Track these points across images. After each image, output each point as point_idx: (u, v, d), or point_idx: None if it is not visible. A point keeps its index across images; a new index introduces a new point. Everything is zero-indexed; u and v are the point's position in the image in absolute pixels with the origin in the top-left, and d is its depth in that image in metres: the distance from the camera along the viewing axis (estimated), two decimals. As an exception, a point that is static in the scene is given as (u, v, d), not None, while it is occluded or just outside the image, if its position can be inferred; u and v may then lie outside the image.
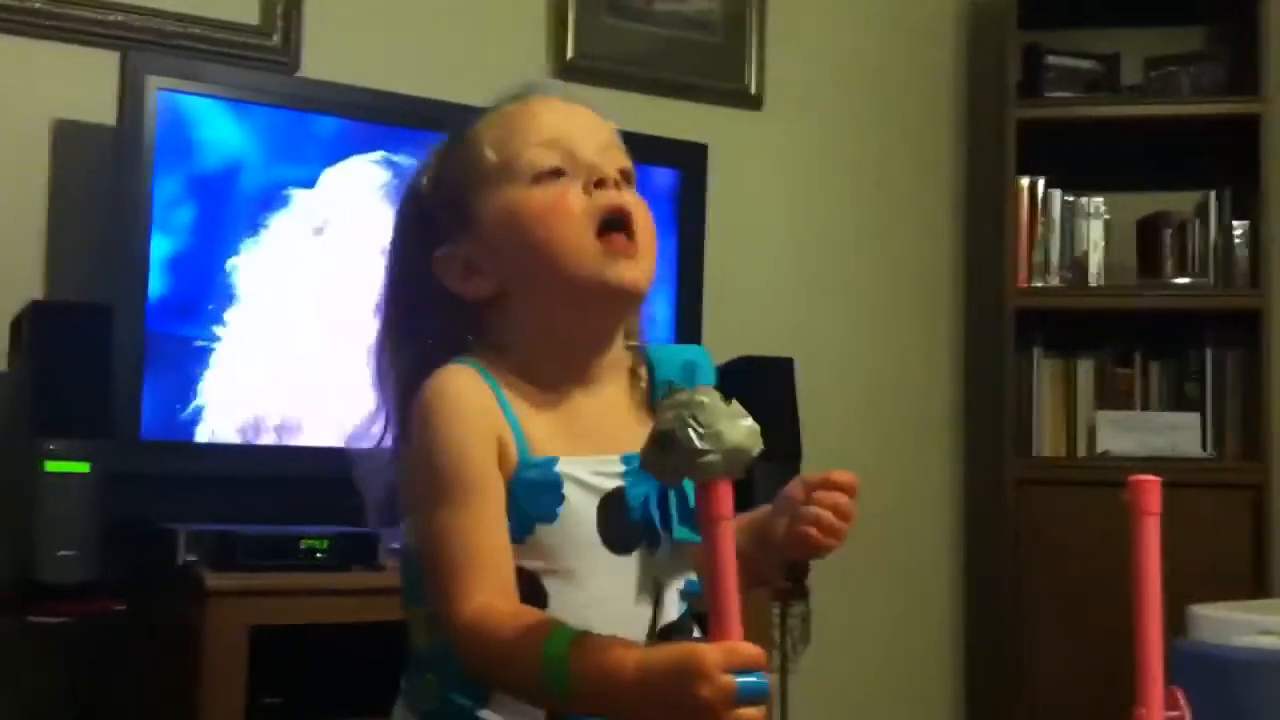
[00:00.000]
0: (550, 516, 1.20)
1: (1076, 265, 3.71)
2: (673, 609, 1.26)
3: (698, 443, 1.04)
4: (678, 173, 3.09)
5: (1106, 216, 3.74)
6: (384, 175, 2.75)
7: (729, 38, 3.53)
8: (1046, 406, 3.73)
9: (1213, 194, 3.70)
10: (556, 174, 1.26)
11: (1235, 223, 3.65)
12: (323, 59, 2.96)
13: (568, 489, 1.21)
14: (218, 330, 2.59)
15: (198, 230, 2.59)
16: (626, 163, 1.31)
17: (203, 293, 2.59)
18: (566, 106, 1.31)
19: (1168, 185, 3.84)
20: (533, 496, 1.20)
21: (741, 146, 3.50)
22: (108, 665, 2.57)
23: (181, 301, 2.57)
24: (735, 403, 1.07)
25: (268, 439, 2.63)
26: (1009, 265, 3.64)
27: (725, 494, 1.04)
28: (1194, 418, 3.68)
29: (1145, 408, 3.75)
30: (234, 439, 2.61)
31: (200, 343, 2.58)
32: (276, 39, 2.93)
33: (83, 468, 2.33)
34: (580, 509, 1.21)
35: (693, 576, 1.27)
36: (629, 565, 1.23)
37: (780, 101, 3.60)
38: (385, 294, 1.33)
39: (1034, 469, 3.63)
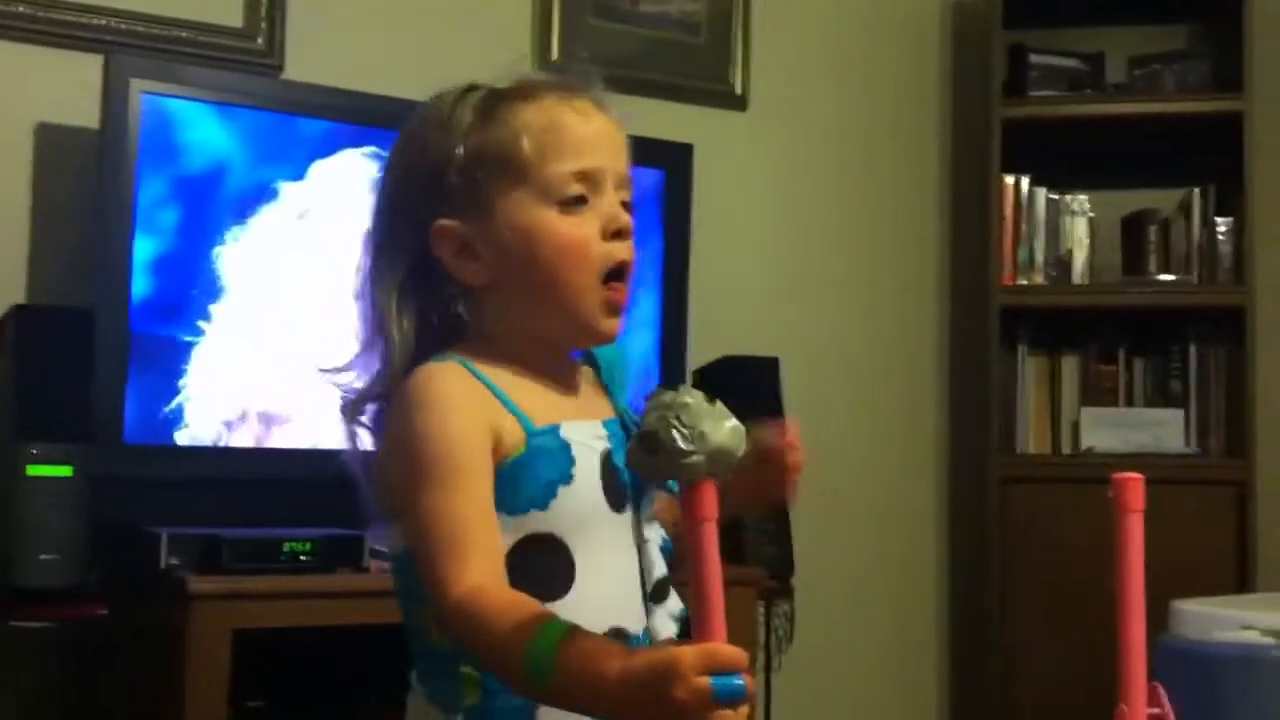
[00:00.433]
0: (568, 478, 1.25)
1: (1061, 263, 3.73)
2: (659, 564, 1.32)
3: (682, 443, 1.04)
4: (663, 173, 3.09)
5: (1091, 214, 3.75)
6: (372, 171, 2.75)
7: (714, 38, 3.53)
8: (1031, 404, 3.74)
9: (1196, 191, 3.71)
10: (582, 200, 1.30)
11: (1219, 220, 3.67)
12: (307, 61, 2.95)
13: (575, 451, 1.26)
14: (201, 334, 2.59)
15: (181, 233, 2.58)
16: (628, 174, 1.35)
17: (187, 296, 2.58)
18: (601, 121, 1.33)
19: (1152, 183, 3.85)
20: (549, 461, 1.24)
21: (727, 147, 3.50)
22: (91, 670, 2.56)
23: (165, 304, 2.56)
24: (720, 403, 1.08)
25: (251, 442, 2.63)
26: (994, 263, 3.64)
27: (709, 495, 1.05)
28: (1178, 414, 3.69)
29: (1129, 404, 3.76)
30: (217, 442, 2.60)
31: (187, 338, 2.57)
32: (260, 41, 2.93)
33: (65, 471, 2.33)
34: (587, 470, 1.26)
35: (664, 533, 1.33)
36: (624, 523, 1.29)
37: (765, 102, 3.60)
38: (379, 234, 1.34)
39: (1019, 466, 3.64)
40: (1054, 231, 3.73)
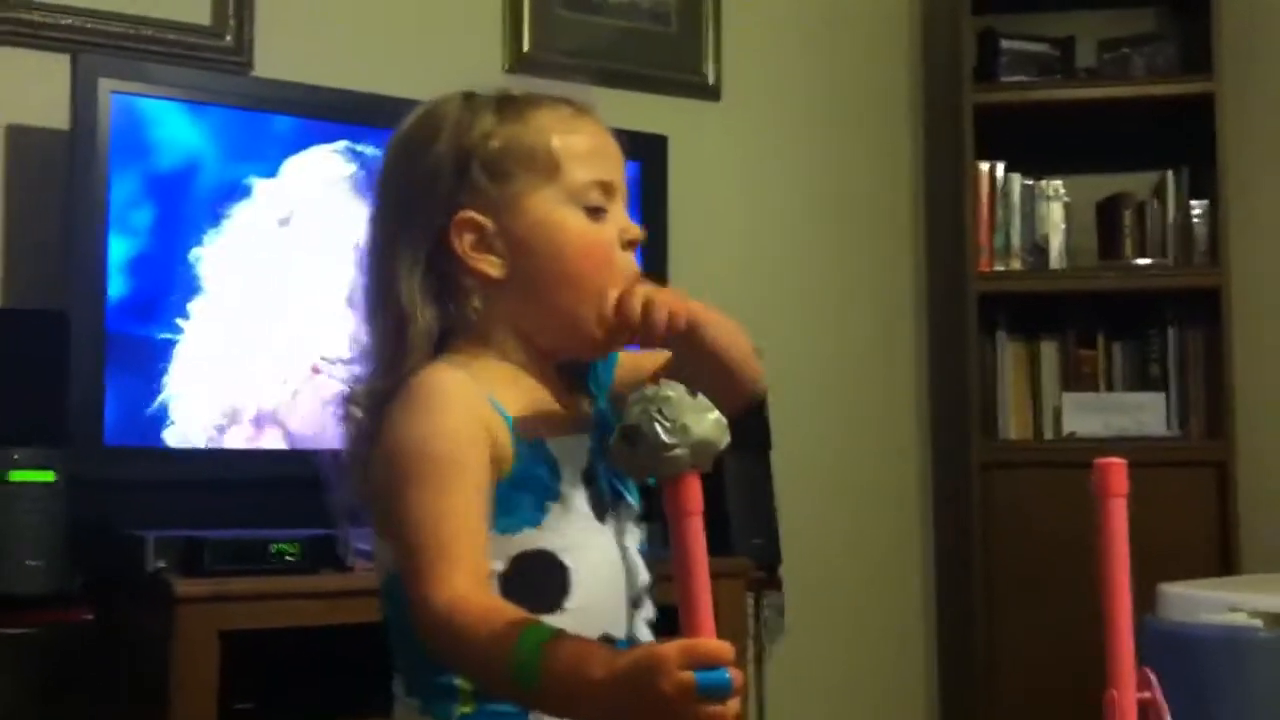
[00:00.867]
0: (555, 494, 1.26)
1: (1037, 248, 3.73)
2: (643, 570, 1.33)
3: (664, 437, 1.04)
4: (638, 165, 3.08)
5: (1066, 199, 3.76)
6: (347, 167, 2.74)
7: (685, 29, 3.53)
8: (1011, 390, 3.75)
9: (1170, 174, 3.72)
10: (601, 210, 1.32)
11: (1193, 202, 3.68)
12: (276, 57, 2.94)
13: (562, 465, 1.27)
14: (179, 333, 2.57)
15: (155, 232, 2.57)
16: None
17: (163, 295, 2.57)
18: (609, 138, 1.36)
19: (1125, 166, 3.86)
20: (537, 477, 1.25)
21: (700, 137, 3.49)
22: (78, 676, 2.55)
23: (142, 304, 2.55)
24: (701, 396, 1.07)
25: (233, 441, 2.62)
26: (970, 250, 3.65)
27: (693, 488, 1.05)
28: (1158, 397, 3.70)
29: (1110, 388, 3.77)
30: (199, 442, 2.59)
31: (165, 338, 2.56)
32: (229, 39, 2.91)
33: (47, 476, 2.32)
34: (573, 483, 1.27)
35: (642, 537, 1.35)
36: (608, 531, 1.30)
37: (738, 92, 3.60)
38: (391, 230, 1.31)
39: (1000, 452, 3.65)
40: (1029, 217, 3.73)
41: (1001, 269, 3.70)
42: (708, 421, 1.06)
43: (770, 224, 3.68)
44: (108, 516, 2.47)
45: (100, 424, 2.49)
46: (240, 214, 2.65)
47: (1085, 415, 3.68)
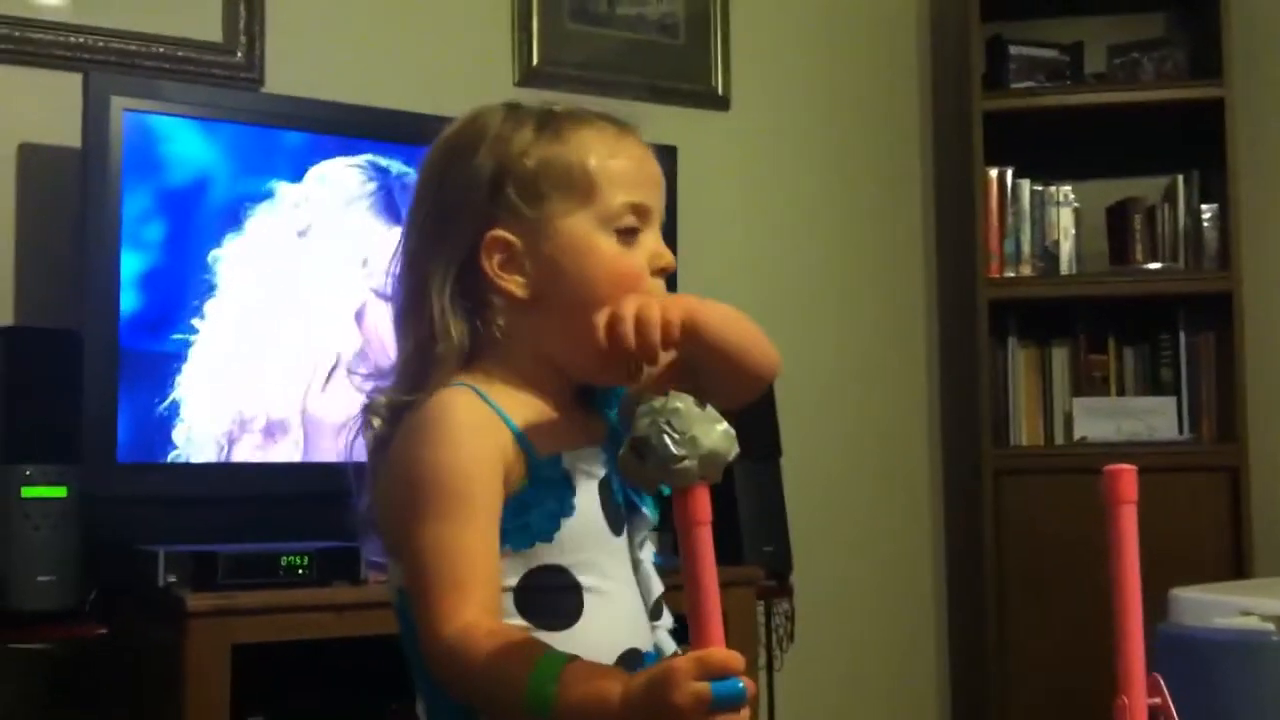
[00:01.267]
0: (570, 509, 1.25)
1: (1047, 254, 3.73)
2: (657, 582, 1.32)
3: (673, 449, 1.04)
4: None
5: (1076, 204, 3.75)
6: (366, 181, 2.75)
7: (693, 39, 3.53)
8: (1022, 396, 3.74)
9: (1180, 178, 3.72)
10: (634, 232, 1.30)
11: (1203, 206, 3.67)
12: (287, 74, 2.95)
13: (576, 480, 1.26)
14: (191, 349, 2.58)
15: (167, 249, 2.58)
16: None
17: (176, 311, 2.58)
18: (651, 160, 1.34)
19: (1135, 171, 3.86)
20: (552, 495, 1.24)
21: (709, 148, 3.50)
22: (90, 689, 2.56)
23: (154, 321, 2.56)
24: (710, 407, 1.08)
25: (245, 456, 2.62)
26: (980, 256, 3.65)
27: (702, 499, 1.05)
28: (1169, 402, 3.69)
29: (1121, 393, 3.77)
30: (211, 457, 2.60)
31: (177, 354, 2.56)
32: (240, 55, 2.92)
33: (60, 492, 2.32)
34: (588, 499, 1.26)
35: (654, 549, 1.34)
36: (622, 545, 1.30)
37: (747, 101, 3.60)
38: (426, 244, 1.31)
39: (1012, 459, 3.64)
40: (1039, 223, 3.73)
41: (1012, 275, 3.70)
42: (716, 433, 1.06)
43: (780, 232, 3.68)
44: (120, 531, 2.48)
45: (113, 440, 2.49)
46: (251, 228, 2.65)
47: (1096, 420, 3.67)
